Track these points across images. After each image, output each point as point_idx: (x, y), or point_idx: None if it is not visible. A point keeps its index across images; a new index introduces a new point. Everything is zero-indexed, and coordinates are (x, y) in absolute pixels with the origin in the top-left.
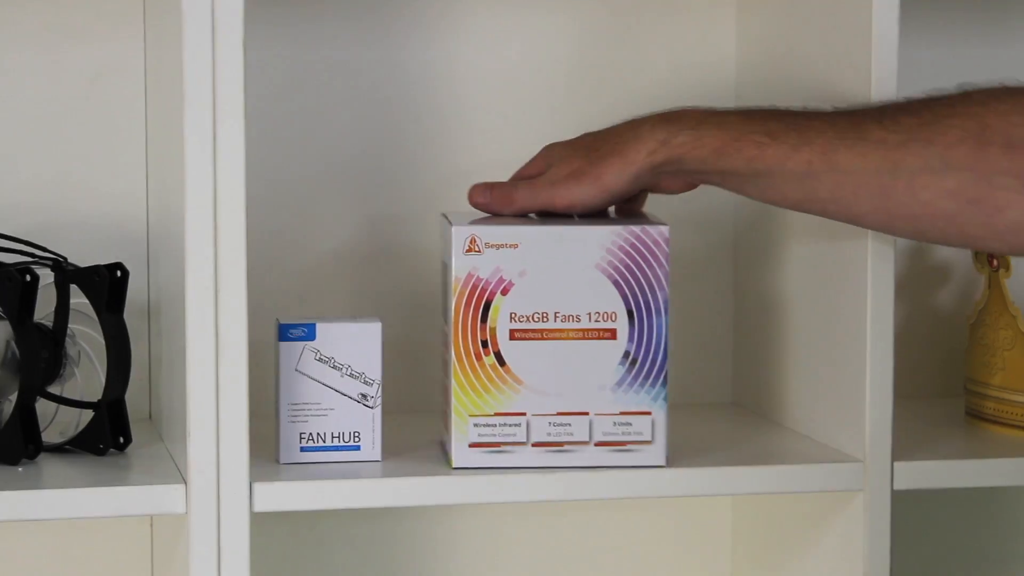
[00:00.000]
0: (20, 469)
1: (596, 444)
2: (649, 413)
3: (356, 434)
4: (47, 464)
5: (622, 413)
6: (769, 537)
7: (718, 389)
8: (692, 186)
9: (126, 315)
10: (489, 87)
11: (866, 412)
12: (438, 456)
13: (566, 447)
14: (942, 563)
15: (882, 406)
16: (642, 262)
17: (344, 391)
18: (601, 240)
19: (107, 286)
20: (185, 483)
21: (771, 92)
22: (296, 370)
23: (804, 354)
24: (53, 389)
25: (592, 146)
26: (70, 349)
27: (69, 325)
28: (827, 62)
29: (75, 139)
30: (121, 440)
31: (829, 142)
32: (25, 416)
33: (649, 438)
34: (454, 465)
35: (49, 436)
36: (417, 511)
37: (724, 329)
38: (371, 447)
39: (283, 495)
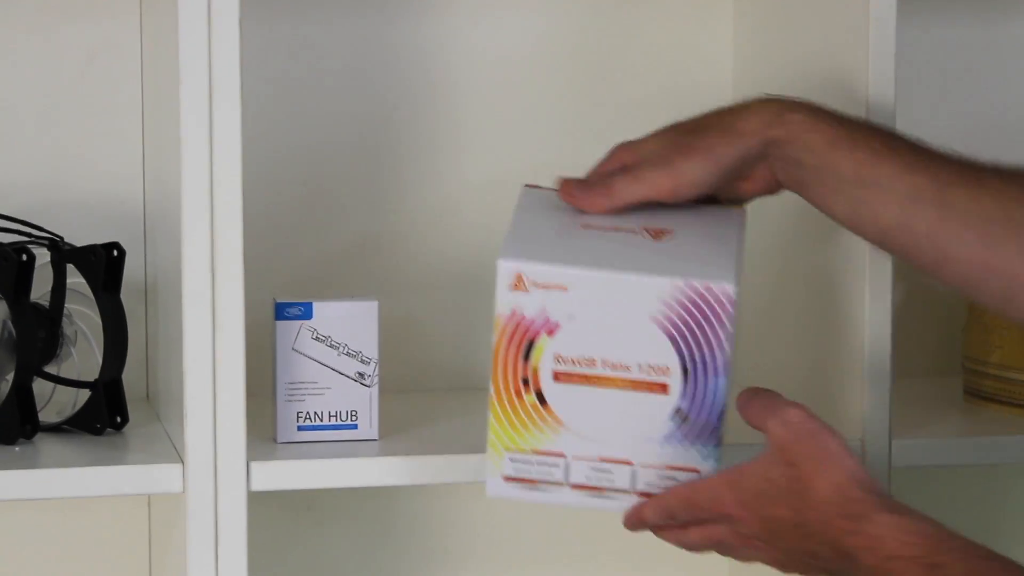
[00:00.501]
0: (17, 449)
1: (638, 493)
2: (697, 471)
3: (353, 413)
4: (44, 444)
5: (668, 467)
6: None
7: None
8: (773, 188)
9: (123, 295)
10: (486, 70)
11: (864, 390)
12: (435, 435)
13: (607, 493)
14: None
15: (880, 384)
16: (702, 320)
17: (341, 370)
18: (659, 292)
19: (104, 266)
20: (182, 462)
21: (768, 76)
22: (293, 349)
23: (801, 332)
24: (50, 369)
25: (689, 127)
26: (67, 329)
27: (66, 305)
28: (824, 47)
29: (72, 118)
30: (118, 420)
31: (944, 174)
32: (22, 396)
33: None
34: (488, 494)
35: (46, 416)
36: (414, 490)
37: None
38: (368, 426)
39: (280, 474)
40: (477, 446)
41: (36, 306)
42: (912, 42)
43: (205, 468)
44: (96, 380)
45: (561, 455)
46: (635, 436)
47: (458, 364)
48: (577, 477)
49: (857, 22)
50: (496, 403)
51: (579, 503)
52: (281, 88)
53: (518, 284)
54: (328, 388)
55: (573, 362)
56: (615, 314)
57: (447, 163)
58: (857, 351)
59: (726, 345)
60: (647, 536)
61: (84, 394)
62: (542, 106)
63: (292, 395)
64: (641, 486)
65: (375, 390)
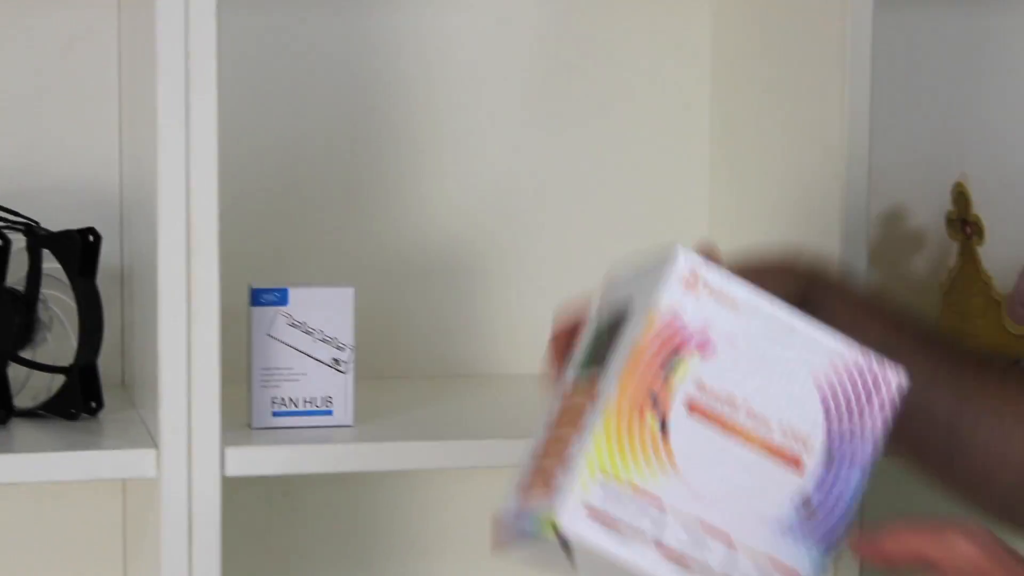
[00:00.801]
0: None
1: None
2: (798, 574)
3: (328, 399)
4: (19, 429)
5: (771, 560)
6: None
7: None
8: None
9: (99, 280)
10: (463, 60)
11: None
12: (410, 421)
13: (692, 569)
14: None
15: None
16: (865, 401)
17: (317, 356)
18: (834, 354)
19: (79, 251)
20: (156, 448)
21: (747, 67)
22: (269, 335)
23: None
24: (25, 354)
25: (743, 258)
26: (42, 314)
27: (41, 290)
28: (802, 38)
29: (48, 104)
30: (93, 405)
31: (955, 355)
32: None
33: None
34: (559, 524)
35: (21, 401)
36: (389, 476)
37: None
38: (343, 412)
39: (255, 460)
40: (452, 433)
41: (11, 291)
42: (889, 28)
43: (179, 453)
44: (71, 365)
45: (660, 501)
46: (749, 510)
47: (434, 352)
48: (670, 537)
49: (835, 13)
50: (612, 412)
51: (654, 569)
52: (258, 75)
53: (692, 283)
54: (303, 374)
55: (715, 396)
56: (777, 358)
57: (424, 151)
58: None
59: (880, 439)
60: None
61: (59, 379)
62: (519, 97)
63: (267, 381)
64: (731, 572)
65: (351, 376)
